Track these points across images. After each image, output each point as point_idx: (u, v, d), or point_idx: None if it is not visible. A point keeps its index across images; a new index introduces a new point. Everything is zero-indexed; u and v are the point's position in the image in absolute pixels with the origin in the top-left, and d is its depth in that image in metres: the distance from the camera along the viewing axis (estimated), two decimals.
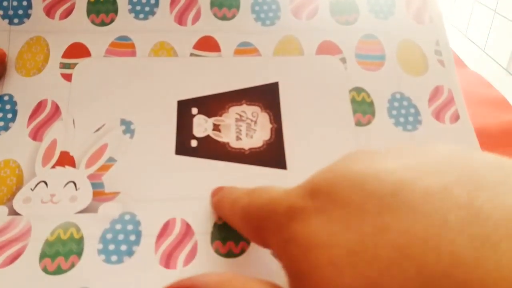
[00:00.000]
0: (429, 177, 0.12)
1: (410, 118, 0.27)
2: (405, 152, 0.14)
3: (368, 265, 0.11)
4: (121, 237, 0.23)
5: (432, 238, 0.10)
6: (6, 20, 0.28)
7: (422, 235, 0.11)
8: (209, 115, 0.27)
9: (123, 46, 0.28)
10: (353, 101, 0.27)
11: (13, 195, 0.24)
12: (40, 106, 0.26)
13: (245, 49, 0.29)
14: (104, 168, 0.25)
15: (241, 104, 0.27)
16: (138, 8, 0.29)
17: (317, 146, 0.26)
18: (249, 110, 0.27)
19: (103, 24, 0.29)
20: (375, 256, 0.11)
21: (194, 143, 0.26)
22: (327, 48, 0.29)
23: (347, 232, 0.12)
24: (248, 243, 0.23)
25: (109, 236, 0.23)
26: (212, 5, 0.30)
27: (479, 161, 0.12)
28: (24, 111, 0.26)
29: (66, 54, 0.28)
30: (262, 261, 0.22)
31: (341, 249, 0.12)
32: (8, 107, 0.26)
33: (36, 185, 0.24)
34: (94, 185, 0.24)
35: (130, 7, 0.29)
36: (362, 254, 0.11)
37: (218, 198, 0.23)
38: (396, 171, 0.13)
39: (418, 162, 0.13)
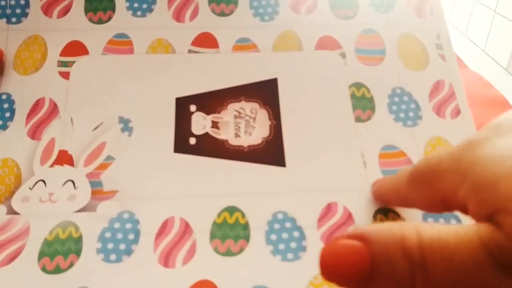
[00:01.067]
0: None
1: (411, 114, 0.27)
2: None
3: None
4: (119, 236, 0.23)
5: None
6: (4, 19, 0.28)
7: None
8: (208, 112, 0.26)
9: (121, 44, 0.28)
10: (352, 96, 0.27)
11: (11, 194, 0.24)
12: (38, 104, 0.26)
13: (244, 45, 0.28)
14: (103, 166, 0.25)
15: (239, 101, 0.27)
16: (135, 5, 0.29)
17: (316, 143, 0.25)
18: (248, 107, 0.27)
19: (100, 21, 0.29)
20: None
21: (192, 140, 0.25)
22: (327, 43, 0.28)
23: None
24: (247, 241, 0.23)
25: (107, 235, 0.23)
26: (210, 1, 0.30)
27: None
28: (22, 109, 0.26)
29: (64, 52, 0.28)
30: (261, 260, 0.22)
31: None
32: (5, 106, 0.26)
33: (35, 184, 0.24)
34: (92, 184, 0.24)
35: (127, 4, 0.29)
36: None
37: (379, 184, 0.23)
38: None
39: None
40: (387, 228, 0.13)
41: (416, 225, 0.13)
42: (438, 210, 0.17)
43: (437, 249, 0.12)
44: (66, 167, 0.25)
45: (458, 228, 0.13)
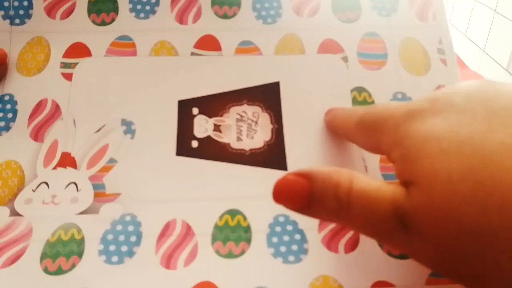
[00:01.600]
0: None
1: None
2: None
3: (474, 154, 0.13)
4: (121, 238, 0.23)
5: None
6: (7, 21, 0.28)
7: None
8: (210, 115, 0.26)
9: (123, 46, 0.28)
10: (354, 101, 0.27)
11: (14, 196, 0.24)
12: (40, 105, 0.26)
13: (246, 48, 0.28)
14: (105, 169, 0.25)
15: (242, 104, 0.27)
16: (138, 7, 0.29)
17: (318, 147, 0.26)
18: (250, 110, 0.27)
19: (103, 23, 0.29)
20: (481, 148, 0.13)
21: (194, 143, 0.26)
22: (329, 47, 0.29)
23: (459, 129, 0.14)
24: (249, 244, 0.23)
25: (110, 237, 0.23)
26: (213, 3, 0.30)
27: None
28: (24, 110, 0.26)
29: (67, 54, 0.28)
30: (262, 262, 0.22)
31: (452, 141, 0.14)
32: (8, 106, 0.26)
33: (38, 186, 0.24)
34: (95, 186, 0.24)
35: (130, 6, 0.29)
36: (470, 146, 0.13)
37: (333, 114, 0.25)
38: (508, 93, 0.15)
39: None
40: (328, 172, 0.17)
41: (351, 175, 0.16)
42: (376, 153, 0.21)
43: (360, 198, 0.16)
44: (69, 169, 0.25)
45: (382, 185, 0.16)
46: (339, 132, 0.24)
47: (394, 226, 0.15)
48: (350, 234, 0.23)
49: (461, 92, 0.16)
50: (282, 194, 0.17)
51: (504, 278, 0.12)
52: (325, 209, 0.17)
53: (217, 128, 0.26)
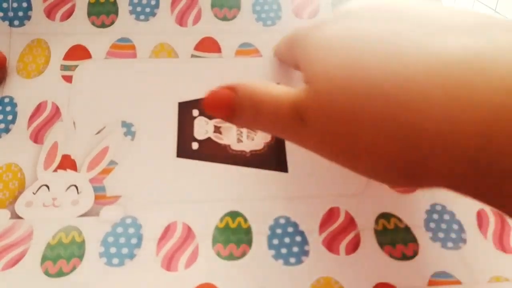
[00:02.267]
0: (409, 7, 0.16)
1: None
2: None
3: (355, 49, 0.15)
4: (122, 240, 0.23)
5: (399, 32, 0.15)
6: (7, 22, 0.28)
7: (396, 31, 0.15)
8: (210, 117, 0.26)
9: (124, 48, 0.28)
10: None
11: (15, 198, 0.24)
12: (40, 107, 0.26)
13: (246, 50, 0.28)
14: (106, 171, 0.25)
15: None
16: (138, 9, 0.29)
17: None
18: None
19: (103, 25, 0.29)
20: (360, 44, 0.15)
21: (195, 145, 0.26)
22: None
23: (345, 32, 0.16)
24: (250, 246, 0.23)
25: (110, 239, 0.23)
26: (213, 5, 0.30)
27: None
28: (24, 112, 0.26)
29: (67, 56, 0.28)
30: (263, 264, 0.22)
31: (336, 42, 0.16)
32: (8, 109, 0.26)
33: (38, 189, 0.24)
34: (95, 189, 0.24)
35: (130, 8, 0.29)
36: (351, 43, 0.15)
37: (279, 44, 0.26)
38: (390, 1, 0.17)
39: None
40: (248, 86, 0.19)
41: (263, 85, 0.19)
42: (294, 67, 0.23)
43: (268, 104, 0.18)
44: (70, 172, 0.25)
45: (288, 90, 0.18)
46: (281, 58, 0.26)
47: (295, 123, 0.17)
48: (351, 235, 0.23)
49: (357, 6, 0.18)
50: (210, 104, 0.20)
51: (369, 152, 0.15)
52: (244, 117, 0.19)
53: (217, 129, 0.26)
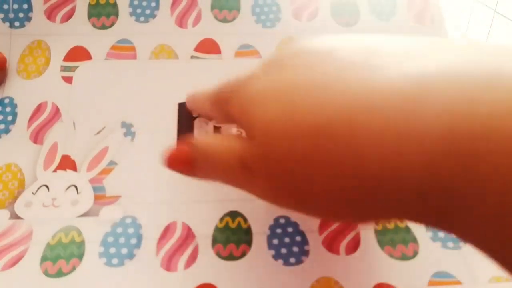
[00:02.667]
0: (337, 49, 0.16)
1: None
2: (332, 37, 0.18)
3: (286, 95, 0.15)
4: (122, 240, 0.23)
5: (337, 76, 0.14)
6: (7, 24, 0.28)
7: (321, 78, 0.15)
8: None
9: (124, 49, 0.28)
10: None
11: (15, 199, 0.24)
12: (40, 108, 0.26)
13: (246, 51, 0.29)
14: (105, 171, 0.25)
15: None
16: (138, 11, 0.29)
17: None
18: None
19: (104, 27, 0.29)
20: (292, 92, 0.15)
21: None
22: None
23: (276, 80, 0.16)
24: (250, 246, 0.23)
25: (110, 239, 0.23)
26: (213, 7, 0.30)
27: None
28: (24, 113, 0.26)
29: (67, 58, 0.28)
30: (263, 264, 0.22)
31: (270, 90, 0.16)
32: (8, 109, 0.26)
33: (38, 189, 0.24)
34: (95, 189, 0.24)
35: (131, 10, 0.29)
36: (282, 90, 0.15)
37: (192, 96, 0.25)
38: (319, 44, 0.17)
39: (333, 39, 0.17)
40: (205, 140, 0.19)
41: (206, 139, 0.19)
42: (229, 123, 0.22)
43: (214, 156, 0.19)
44: (69, 172, 0.25)
45: (230, 141, 0.18)
46: (198, 111, 0.25)
47: (244, 174, 0.17)
48: (351, 235, 0.23)
49: (283, 52, 0.18)
50: (171, 160, 0.20)
51: (314, 194, 0.15)
52: (202, 170, 0.20)
53: (217, 130, 0.26)
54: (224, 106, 0.20)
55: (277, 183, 0.16)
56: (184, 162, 0.20)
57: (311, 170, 0.14)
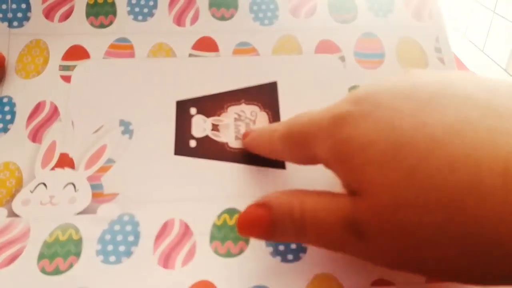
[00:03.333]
0: (454, 87, 0.15)
1: None
2: (434, 73, 0.17)
3: (409, 155, 0.14)
4: (119, 238, 0.23)
5: (458, 130, 0.13)
6: (6, 23, 0.29)
7: (451, 128, 0.13)
8: (208, 115, 0.26)
9: (122, 48, 0.28)
10: None
11: (12, 197, 0.24)
12: (38, 107, 0.26)
13: (244, 49, 0.29)
14: (103, 169, 0.25)
15: (239, 104, 0.27)
16: (137, 9, 0.30)
17: None
18: (248, 110, 0.27)
19: (102, 26, 0.29)
20: (415, 147, 0.13)
21: (193, 143, 0.26)
22: (326, 47, 0.29)
23: (390, 130, 0.14)
24: (247, 243, 0.23)
25: (107, 237, 0.23)
26: (211, 5, 0.30)
27: (495, 81, 0.15)
28: (22, 112, 0.26)
29: (66, 57, 0.28)
30: (261, 261, 0.22)
31: (386, 145, 0.14)
32: (6, 108, 0.26)
33: (36, 187, 0.24)
34: (93, 187, 0.24)
35: (128, 8, 0.30)
36: (403, 147, 0.14)
37: (252, 136, 0.24)
38: (429, 83, 0.15)
39: (445, 76, 0.16)
40: (283, 200, 0.18)
41: (301, 200, 0.17)
42: (307, 164, 0.20)
43: (313, 219, 0.17)
44: (67, 170, 0.25)
45: (331, 201, 0.17)
46: (261, 151, 0.24)
47: (348, 237, 0.16)
48: None
49: (383, 89, 0.16)
50: (245, 228, 0.19)
51: (438, 264, 0.14)
52: (286, 234, 0.18)
53: (215, 127, 0.26)
54: (304, 147, 0.18)
55: (396, 251, 0.15)
56: (261, 226, 0.18)
57: (441, 246, 0.13)
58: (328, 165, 0.17)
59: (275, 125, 0.22)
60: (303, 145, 0.19)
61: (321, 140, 0.17)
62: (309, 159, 0.19)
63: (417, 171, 0.13)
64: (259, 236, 0.18)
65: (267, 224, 0.18)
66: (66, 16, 0.29)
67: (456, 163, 0.13)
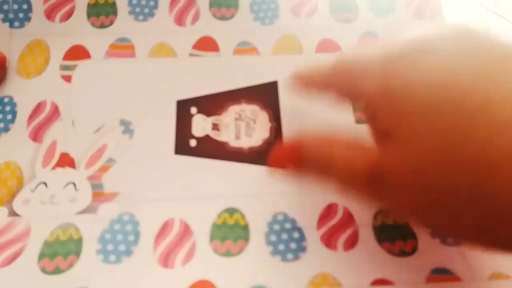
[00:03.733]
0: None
1: None
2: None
3: (454, 115, 0.13)
4: (119, 237, 0.23)
5: None
6: (7, 24, 0.29)
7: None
8: (209, 114, 0.26)
9: (122, 48, 0.28)
10: None
11: (13, 196, 0.24)
12: (39, 106, 0.27)
13: (244, 48, 0.29)
14: (104, 169, 0.25)
15: (240, 103, 0.27)
16: (137, 9, 0.30)
17: None
18: (248, 109, 0.27)
19: (103, 26, 0.29)
20: (470, 100, 0.13)
21: (193, 142, 0.26)
22: (327, 46, 0.29)
23: (448, 79, 0.14)
24: (247, 242, 0.23)
25: (108, 236, 0.23)
26: (211, 5, 0.30)
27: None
28: (23, 112, 0.26)
29: (67, 57, 0.28)
30: (260, 260, 0.22)
31: (438, 96, 0.13)
32: (8, 108, 0.26)
33: (36, 187, 0.24)
34: (93, 186, 0.24)
35: (129, 9, 0.30)
36: (454, 104, 0.13)
37: (301, 68, 0.23)
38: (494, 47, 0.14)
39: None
40: (316, 142, 0.19)
41: (333, 141, 0.19)
42: (348, 99, 0.21)
43: (341, 162, 0.17)
44: (68, 169, 0.25)
45: (360, 149, 0.17)
46: (313, 82, 0.22)
47: (370, 181, 0.16)
48: (349, 231, 0.23)
49: (448, 34, 0.15)
50: (278, 158, 0.20)
51: (453, 219, 0.14)
52: (314, 169, 0.19)
53: (215, 127, 0.26)
54: (352, 79, 0.18)
55: (414, 202, 0.15)
56: (292, 157, 0.19)
57: (468, 211, 0.13)
58: (371, 101, 0.17)
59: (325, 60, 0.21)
60: (351, 75, 0.18)
61: (368, 72, 0.17)
62: (353, 93, 0.19)
63: (459, 130, 0.13)
64: (290, 161, 0.19)
65: (296, 156, 0.19)
66: (67, 16, 0.29)
67: (502, 128, 0.12)
